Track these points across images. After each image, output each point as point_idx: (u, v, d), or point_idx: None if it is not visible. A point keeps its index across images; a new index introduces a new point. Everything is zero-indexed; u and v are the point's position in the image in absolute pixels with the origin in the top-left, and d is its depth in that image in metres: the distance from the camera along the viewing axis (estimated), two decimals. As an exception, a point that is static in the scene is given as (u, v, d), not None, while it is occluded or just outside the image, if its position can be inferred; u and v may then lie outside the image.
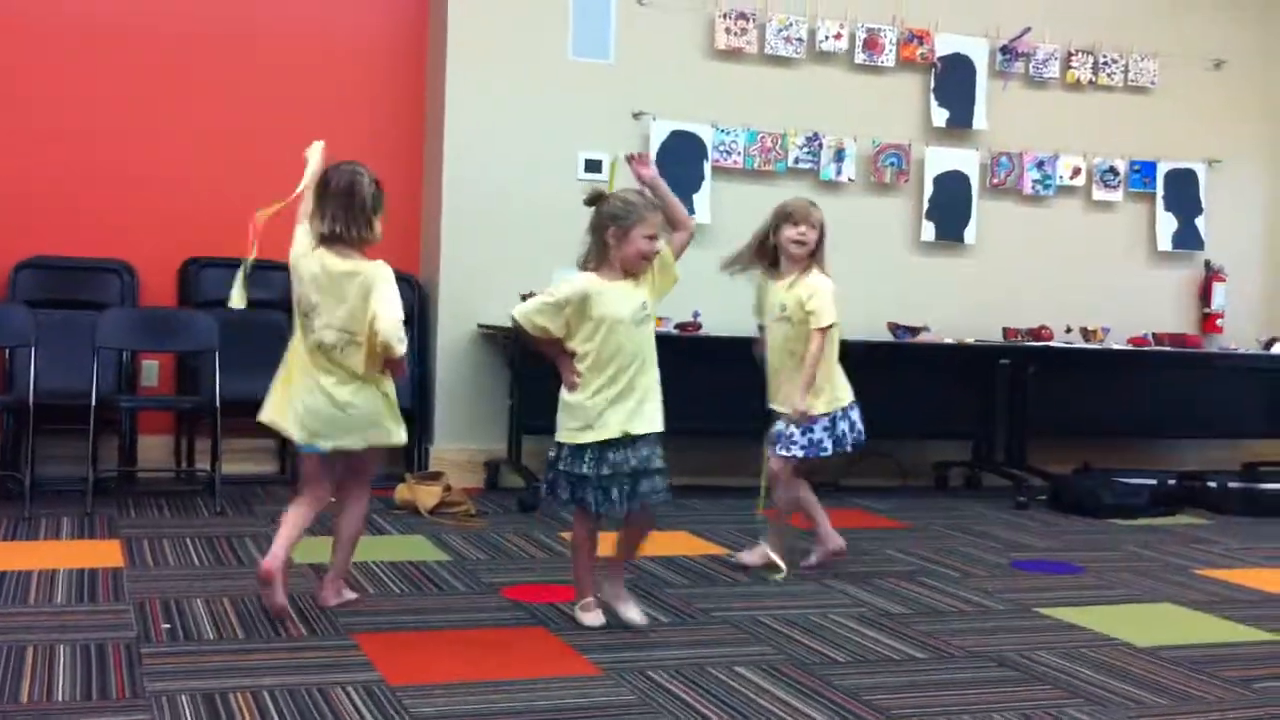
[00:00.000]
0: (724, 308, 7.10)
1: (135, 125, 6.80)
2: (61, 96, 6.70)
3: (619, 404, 3.99)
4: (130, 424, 6.53)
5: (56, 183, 6.68)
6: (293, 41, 7.01)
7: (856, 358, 7.07)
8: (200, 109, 6.87)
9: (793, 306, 4.89)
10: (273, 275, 6.67)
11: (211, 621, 3.98)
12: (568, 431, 4.02)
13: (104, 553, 4.91)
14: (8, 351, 6.32)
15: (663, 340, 6.70)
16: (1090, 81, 7.96)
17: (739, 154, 7.28)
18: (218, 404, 6.01)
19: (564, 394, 4.05)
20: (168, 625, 3.92)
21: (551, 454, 4.08)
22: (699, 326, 6.93)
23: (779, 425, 4.94)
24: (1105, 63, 7.97)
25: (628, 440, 3.98)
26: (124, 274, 6.69)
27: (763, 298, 5.12)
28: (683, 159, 7.16)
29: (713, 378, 6.76)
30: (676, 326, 6.90)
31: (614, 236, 3.99)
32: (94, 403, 5.89)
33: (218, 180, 6.83)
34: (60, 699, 3.21)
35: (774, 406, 5.00)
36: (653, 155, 7.07)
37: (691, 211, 7.10)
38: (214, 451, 6.06)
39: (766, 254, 5.03)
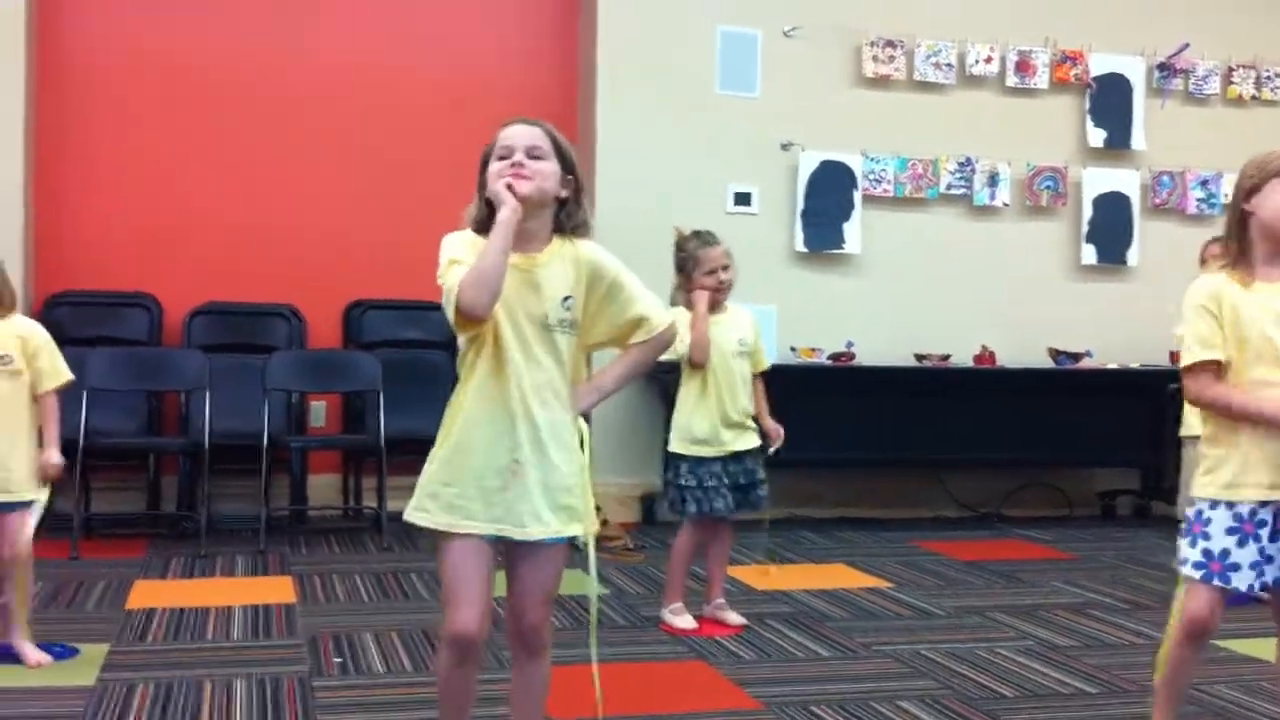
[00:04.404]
0: (877, 338, 7.08)
1: (300, 180, 7.02)
2: (229, 151, 6.96)
3: None
4: (300, 463, 6.72)
5: (227, 234, 6.94)
6: (444, 86, 7.17)
7: (1017, 386, 7.03)
8: (358, 160, 7.08)
9: None
10: (430, 315, 6.89)
11: (380, 654, 4.08)
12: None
13: (277, 589, 5.07)
14: (183, 395, 6.57)
15: (816, 371, 6.78)
16: (1253, 97, 7.72)
17: (889, 182, 7.23)
18: (383, 442, 6.15)
19: None
20: (339, 659, 4.02)
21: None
22: (852, 356, 6.88)
23: None
24: (1268, 77, 7.72)
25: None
26: (291, 318, 6.92)
27: (1231, 314, 2.85)
28: (832, 189, 7.14)
29: (866, 408, 6.73)
30: (830, 357, 6.87)
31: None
32: (265, 443, 6.07)
33: (377, 227, 7.03)
34: (239, 731, 3.32)
35: None
36: (801, 186, 7.09)
37: (842, 241, 7.12)
38: (380, 489, 6.20)
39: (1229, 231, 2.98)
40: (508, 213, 2.48)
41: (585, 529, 2.62)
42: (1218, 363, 2.83)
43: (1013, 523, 7.02)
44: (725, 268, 4.43)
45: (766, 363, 4.59)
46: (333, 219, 7.04)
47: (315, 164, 7.06)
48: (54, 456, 3.90)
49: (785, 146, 7.13)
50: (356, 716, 3.44)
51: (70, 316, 6.58)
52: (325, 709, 3.50)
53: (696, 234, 4.49)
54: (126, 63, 6.89)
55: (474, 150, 2.69)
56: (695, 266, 4.42)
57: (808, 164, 7.12)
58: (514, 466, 2.53)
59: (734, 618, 4.52)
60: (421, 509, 2.58)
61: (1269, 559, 2.83)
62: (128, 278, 6.80)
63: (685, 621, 4.47)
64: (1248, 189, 2.88)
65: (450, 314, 2.49)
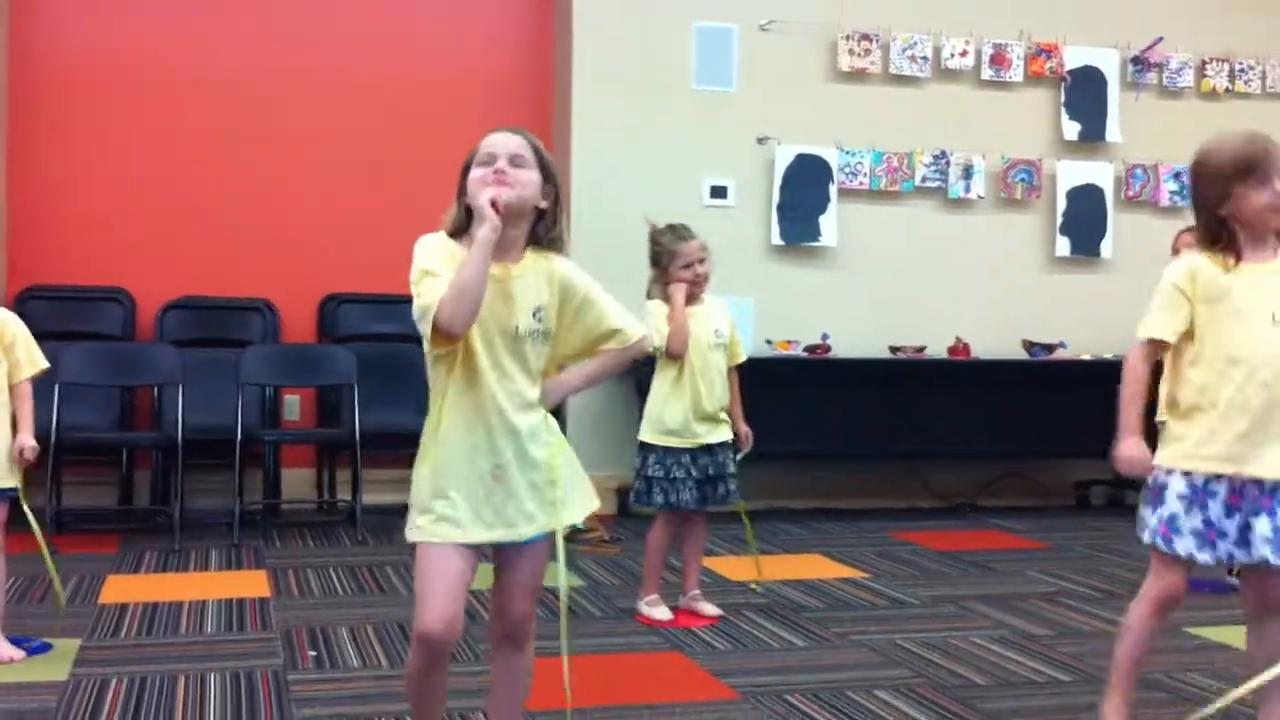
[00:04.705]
0: (852, 330, 7.10)
1: (274, 174, 7.00)
2: (202, 146, 6.93)
3: None
4: (274, 457, 6.71)
5: (201, 228, 6.92)
6: (421, 83, 7.15)
7: (992, 377, 7.06)
8: (333, 155, 7.05)
9: None
10: (405, 309, 6.86)
11: (355, 648, 4.07)
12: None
13: (251, 583, 5.05)
14: (156, 390, 6.54)
15: (792, 363, 6.79)
16: (1227, 89, 7.76)
17: (865, 175, 7.24)
18: (357, 436, 6.14)
19: None
20: (313, 653, 4.01)
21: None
22: (828, 349, 6.89)
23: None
24: (1241, 70, 7.77)
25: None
26: (265, 312, 6.89)
27: (1208, 293, 2.95)
28: (808, 182, 7.14)
29: (842, 400, 6.75)
30: (806, 349, 6.88)
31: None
32: (239, 437, 6.05)
33: (351, 221, 7.01)
34: (212, 724, 3.31)
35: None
36: (777, 180, 7.10)
37: (818, 234, 7.14)
38: (354, 482, 6.19)
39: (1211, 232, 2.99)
40: (488, 231, 2.46)
41: (584, 511, 2.69)
42: (1162, 342, 2.97)
43: (988, 513, 7.04)
44: (701, 261, 4.43)
45: (743, 354, 4.58)
46: (307, 213, 7.02)
47: (289, 159, 7.03)
48: (29, 440, 3.89)
49: (761, 140, 7.13)
50: (331, 710, 3.43)
51: (43, 310, 6.52)
52: (300, 702, 3.49)
53: (671, 228, 4.48)
54: (102, 58, 6.85)
55: (449, 145, 2.69)
56: (671, 260, 4.41)
57: (784, 157, 7.13)
58: (496, 472, 2.54)
59: (710, 609, 4.53)
60: (416, 527, 2.56)
61: (1222, 534, 2.93)
62: (101, 272, 6.77)
63: (661, 613, 4.48)
64: (1215, 200, 2.93)
65: (426, 330, 2.47)
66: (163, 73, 6.91)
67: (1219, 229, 2.94)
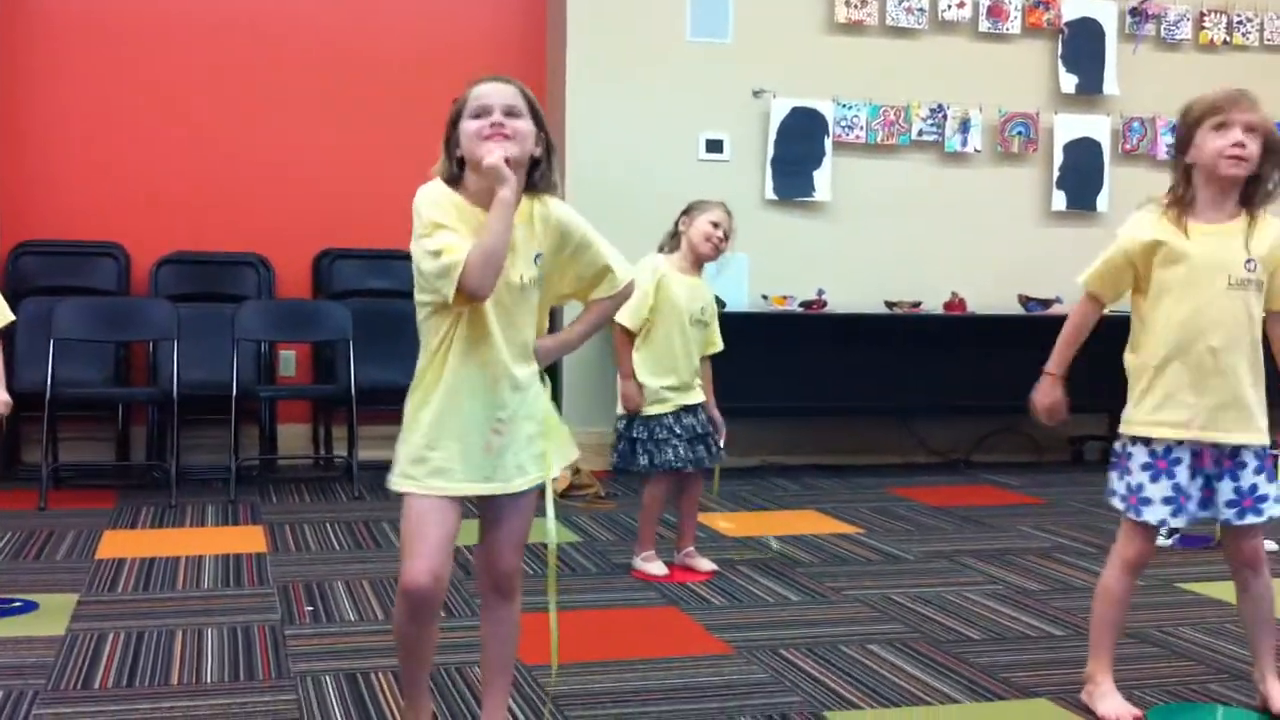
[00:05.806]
0: (848, 285, 7.08)
1: (268, 129, 6.96)
2: (196, 100, 6.89)
3: None
4: (270, 413, 6.70)
5: (195, 183, 6.88)
6: (411, 36, 7.10)
7: (987, 332, 7.05)
8: (327, 110, 7.01)
9: (1267, 259, 2.98)
10: (400, 265, 6.84)
11: (352, 603, 4.08)
12: None
13: (247, 538, 5.06)
14: (151, 345, 6.53)
15: (788, 318, 6.78)
16: (1225, 41, 7.71)
17: (861, 128, 7.20)
18: (353, 392, 6.14)
19: None
20: (310, 607, 4.03)
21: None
22: (824, 304, 6.89)
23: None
24: (1240, 22, 7.72)
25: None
26: (260, 267, 6.87)
27: (1163, 255, 3.01)
28: (803, 136, 7.11)
29: (838, 355, 6.74)
30: (801, 305, 6.87)
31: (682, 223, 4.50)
32: (235, 393, 6.05)
33: (346, 176, 6.97)
34: (209, 680, 3.32)
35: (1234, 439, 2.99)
36: (772, 133, 7.06)
37: (812, 189, 7.11)
38: (350, 438, 6.20)
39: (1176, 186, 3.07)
40: (508, 193, 2.45)
41: (566, 460, 2.71)
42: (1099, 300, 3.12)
43: (983, 468, 7.07)
44: (725, 236, 4.45)
45: (719, 344, 4.58)
46: (301, 168, 6.98)
47: (283, 114, 6.99)
48: (2, 394, 3.87)
49: (757, 93, 7.09)
50: (328, 664, 3.44)
51: (37, 266, 6.52)
52: (297, 657, 3.50)
53: (724, 205, 4.53)
54: (94, 8, 6.79)
55: (442, 100, 2.66)
56: (703, 211, 4.44)
57: (779, 111, 7.09)
58: (497, 425, 2.54)
59: (705, 564, 4.55)
60: (409, 476, 2.54)
61: (1188, 496, 2.98)
62: (95, 227, 6.73)
63: (656, 568, 4.49)
64: (1183, 146, 3.00)
65: (449, 290, 2.43)
66: (156, 26, 6.85)
67: (1183, 177, 2.98)
